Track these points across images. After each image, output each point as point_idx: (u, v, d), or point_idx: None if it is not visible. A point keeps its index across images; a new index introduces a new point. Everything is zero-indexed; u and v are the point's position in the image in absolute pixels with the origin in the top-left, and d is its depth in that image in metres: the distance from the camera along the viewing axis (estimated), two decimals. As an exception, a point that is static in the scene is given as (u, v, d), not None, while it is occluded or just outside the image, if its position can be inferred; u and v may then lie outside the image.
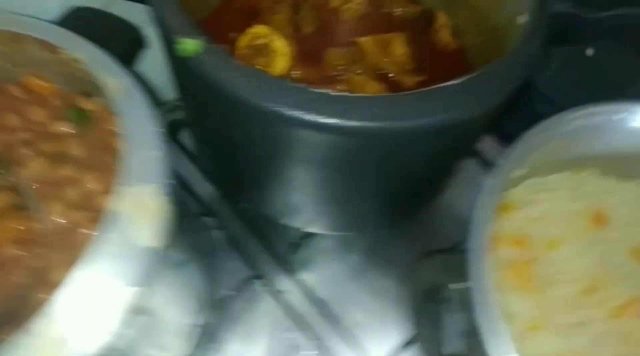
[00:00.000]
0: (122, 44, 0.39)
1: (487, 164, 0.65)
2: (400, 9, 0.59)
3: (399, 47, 0.55)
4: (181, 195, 0.57)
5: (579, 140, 0.47)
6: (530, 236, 0.47)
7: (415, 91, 0.35)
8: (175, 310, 0.42)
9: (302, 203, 0.51)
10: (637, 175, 0.50)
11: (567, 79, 0.69)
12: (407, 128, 0.34)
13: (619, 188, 0.50)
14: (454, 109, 0.34)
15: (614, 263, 0.46)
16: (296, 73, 0.54)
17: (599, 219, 0.48)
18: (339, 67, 0.54)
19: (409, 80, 0.54)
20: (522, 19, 0.44)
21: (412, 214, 0.59)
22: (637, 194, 0.49)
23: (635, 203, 0.49)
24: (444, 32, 0.58)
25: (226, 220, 0.57)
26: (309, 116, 0.33)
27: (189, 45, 0.35)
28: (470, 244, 0.36)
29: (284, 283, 0.55)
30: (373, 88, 0.52)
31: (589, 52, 0.64)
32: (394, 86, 0.54)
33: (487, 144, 0.65)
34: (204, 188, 0.59)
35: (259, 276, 0.54)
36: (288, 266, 0.56)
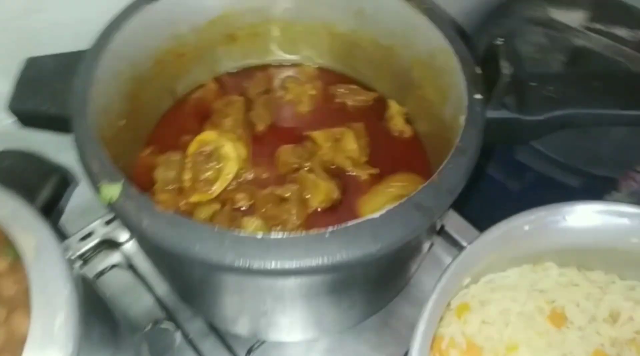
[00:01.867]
0: (50, 186, 0.39)
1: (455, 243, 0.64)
2: (353, 98, 0.59)
3: (349, 142, 0.54)
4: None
5: (532, 240, 0.46)
6: (488, 339, 0.45)
7: (327, 230, 0.34)
8: None
9: (251, 316, 0.50)
10: (595, 266, 0.49)
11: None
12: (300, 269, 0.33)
13: (578, 282, 0.48)
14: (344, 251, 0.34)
15: (574, 368, 0.44)
16: (249, 175, 0.54)
17: (558, 318, 0.46)
18: (293, 165, 0.54)
19: (363, 173, 0.54)
20: (463, 119, 0.44)
21: (374, 310, 0.57)
22: (596, 289, 0.48)
23: (594, 300, 0.47)
24: (397, 120, 0.58)
25: (183, 321, 0.57)
26: (222, 260, 0.33)
27: (109, 190, 0.35)
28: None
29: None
30: (325, 188, 0.51)
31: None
32: (349, 181, 0.54)
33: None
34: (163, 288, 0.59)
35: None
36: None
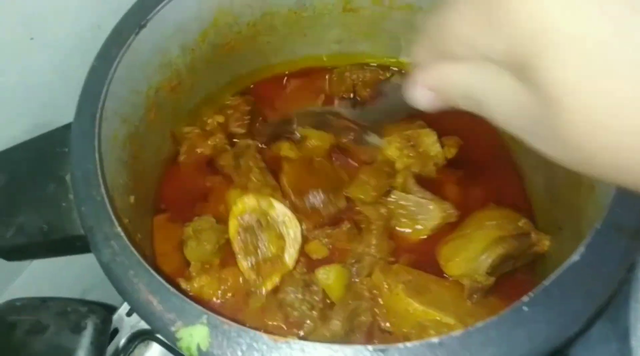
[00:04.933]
0: (88, 340, 0.26)
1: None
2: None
3: (432, 143, 0.41)
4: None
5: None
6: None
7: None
8: None
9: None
10: None
11: None
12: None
13: None
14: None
15: None
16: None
17: None
18: (385, 189, 0.40)
19: (451, 177, 0.42)
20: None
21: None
22: None
23: None
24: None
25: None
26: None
27: (192, 335, 0.23)
28: None
29: None
30: (439, 209, 0.39)
31: None
32: (438, 190, 0.41)
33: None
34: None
35: None
36: None
